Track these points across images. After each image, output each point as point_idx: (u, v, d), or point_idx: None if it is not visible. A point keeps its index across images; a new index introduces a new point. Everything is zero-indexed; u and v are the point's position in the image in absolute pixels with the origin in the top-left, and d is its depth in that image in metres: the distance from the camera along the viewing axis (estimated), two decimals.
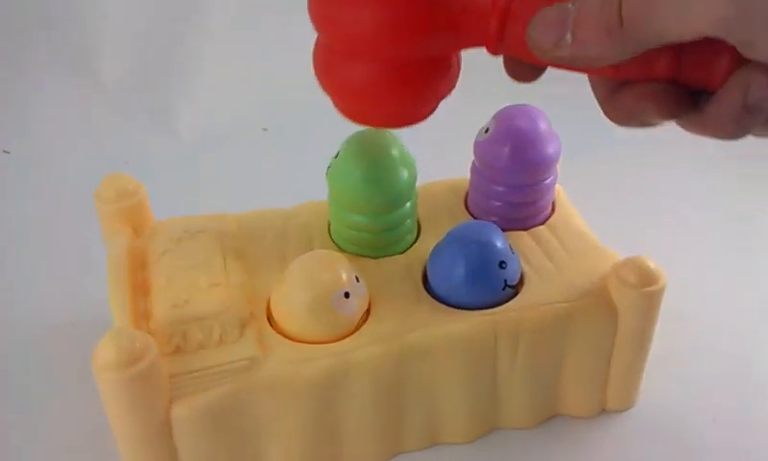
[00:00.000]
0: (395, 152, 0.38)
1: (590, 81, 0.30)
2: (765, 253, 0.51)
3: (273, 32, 0.72)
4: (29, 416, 0.39)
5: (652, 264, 0.36)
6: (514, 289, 0.36)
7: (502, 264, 0.36)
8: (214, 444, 0.33)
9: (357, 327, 0.35)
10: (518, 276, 0.37)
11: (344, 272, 0.34)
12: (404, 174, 0.38)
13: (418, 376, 0.35)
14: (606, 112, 0.29)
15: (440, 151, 0.48)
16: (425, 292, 0.37)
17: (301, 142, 0.62)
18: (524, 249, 0.39)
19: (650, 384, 0.40)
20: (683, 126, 0.28)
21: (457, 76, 0.33)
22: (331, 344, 0.34)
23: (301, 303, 0.33)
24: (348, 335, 0.34)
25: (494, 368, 0.36)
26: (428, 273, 0.37)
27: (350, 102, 0.33)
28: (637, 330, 0.37)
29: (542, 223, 0.41)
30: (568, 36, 0.27)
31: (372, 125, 0.35)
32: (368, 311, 0.36)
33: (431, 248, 0.38)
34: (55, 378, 0.41)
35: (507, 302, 0.36)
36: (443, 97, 0.33)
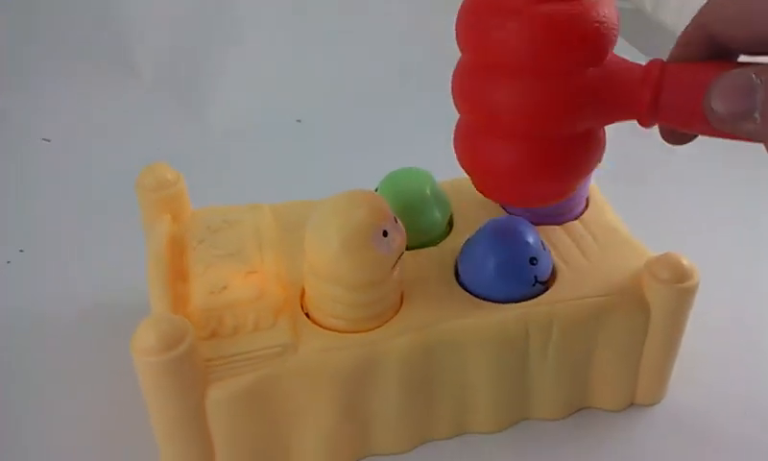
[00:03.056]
0: (427, 191, 0.39)
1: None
2: None
3: (308, 23, 0.73)
4: (66, 399, 0.40)
5: (685, 261, 0.36)
6: (544, 285, 0.37)
7: (533, 260, 0.36)
8: (247, 426, 0.34)
9: (388, 318, 0.35)
10: (549, 271, 0.37)
11: (383, 208, 0.33)
12: (437, 215, 0.40)
13: (448, 367, 0.36)
14: None
15: None
16: (457, 284, 0.37)
17: (335, 133, 0.63)
18: (557, 243, 0.39)
19: (679, 379, 0.40)
20: None
21: (603, 149, 0.32)
22: (363, 333, 0.35)
23: (337, 238, 0.32)
24: (378, 325, 0.35)
25: (525, 361, 0.36)
26: (459, 266, 0.38)
27: (496, 182, 0.32)
28: (669, 326, 0.37)
29: (576, 218, 0.41)
30: (756, 115, 0.26)
31: (517, 205, 0.35)
32: (400, 302, 0.36)
33: (464, 241, 0.38)
34: (92, 362, 0.42)
35: (537, 296, 0.36)
36: (590, 173, 0.33)
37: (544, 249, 0.37)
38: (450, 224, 0.41)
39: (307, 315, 0.36)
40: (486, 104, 0.30)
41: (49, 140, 0.63)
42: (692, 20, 0.29)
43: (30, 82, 0.67)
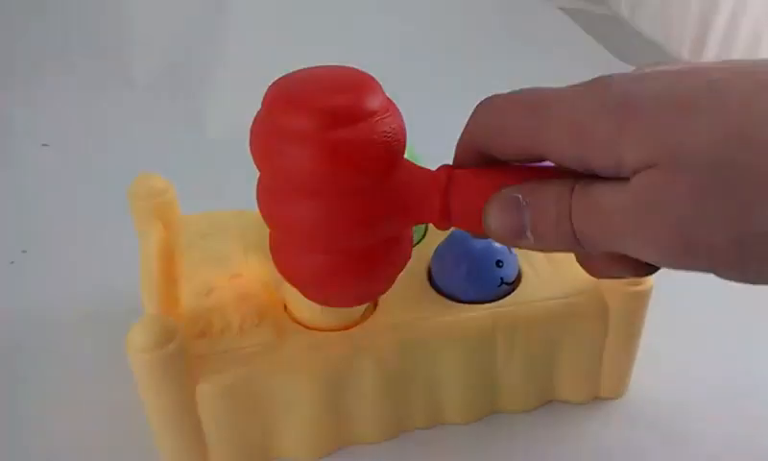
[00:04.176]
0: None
1: None
2: None
3: (297, 31, 0.75)
4: (64, 396, 0.43)
5: None
6: (510, 286, 0.39)
7: (499, 263, 0.38)
8: (235, 417, 0.36)
9: (365, 317, 0.38)
10: (515, 273, 0.40)
11: None
12: None
13: (421, 363, 0.38)
14: (584, 269, 0.30)
15: (451, 150, 0.50)
16: (429, 286, 0.40)
17: None
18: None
19: (641, 374, 0.42)
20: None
21: (410, 247, 0.34)
22: (342, 332, 0.37)
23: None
24: (355, 323, 0.38)
25: (492, 357, 0.39)
26: (432, 269, 0.40)
27: (310, 289, 0.33)
28: (627, 326, 0.39)
29: None
30: (528, 234, 0.27)
31: (335, 306, 0.35)
32: (376, 302, 0.39)
33: (436, 246, 0.41)
34: (90, 359, 0.44)
35: (504, 297, 0.39)
36: (399, 272, 0.33)
37: (511, 252, 0.40)
38: (425, 230, 0.44)
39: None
40: (283, 222, 0.31)
41: (48, 145, 0.65)
42: (462, 133, 0.30)
43: (30, 88, 0.69)
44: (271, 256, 0.34)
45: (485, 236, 0.30)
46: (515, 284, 0.40)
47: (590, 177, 0.26)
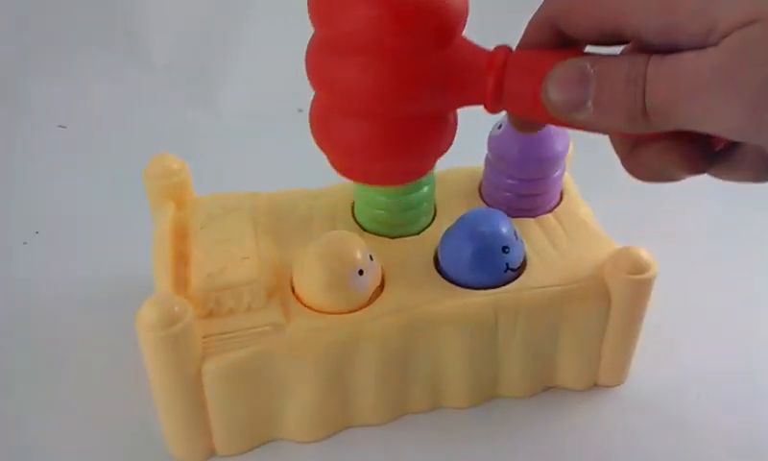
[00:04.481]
0: None
1: (610, 137, 0.30)
2: (759, 244, 0.54)
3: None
4: (79, 368, 0.44)
5: (645, 254, 0.39)
6: (516, 272, 0.40)
7: (505, 249, 0.39)
8: (239, 398, 0.37)
9: (371, 300, 0.39)
10: (521, 260, 0.40)
11: (358, 251, 0.38)
12: (425, 189, 0.42)
13: (424, 347, 0.39)
14: (628, 169, 0.29)
15: (461, 140, 0.50)
16: (435, 271, 0.40)
17: None
18: (530, 235, 0.42)
19: (641, 363, 0.43)
20: (709, 174, 0.28)
21: (453, 133, 0.33)
22: (347, 314, 0.38)
23: (319, 278, 0.37)
24: (361, 307, 0.38)
25: (494, 342, 0.40)
26: (439, 254, 0.41)
27: (348, 160, 0.33)
28: (628, 314, 0.40)
29: (550, 211, 0.44)
30: (589, 104, 0.26)
31: (368, 183, 0.35)
32: (382, 286, 0.40)
33: (444, 230, 0.41)
34: (102, 336, 0.46)
35: (509, 283, 0.39)
36: (439, 155, 0.33)
37: (517, 239, 0.40)
38: (434, 215, 0.45)
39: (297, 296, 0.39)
40: (335, 81, 0.30)
41: (65, 127, 0.66)
42: (539, 8, 0.29)
43: (46, 69, 0.70)
44: (310, 126, 0.33)
45: (538, 119, 0.30)
46: (520, 270, 0.40)
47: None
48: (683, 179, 0.28)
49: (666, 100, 0.24)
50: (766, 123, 0.23)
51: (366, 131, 0.31)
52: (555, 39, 0.29)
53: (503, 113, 0.42)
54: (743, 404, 0.42)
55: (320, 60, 0.31)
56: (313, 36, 0.32)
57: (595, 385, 0.43)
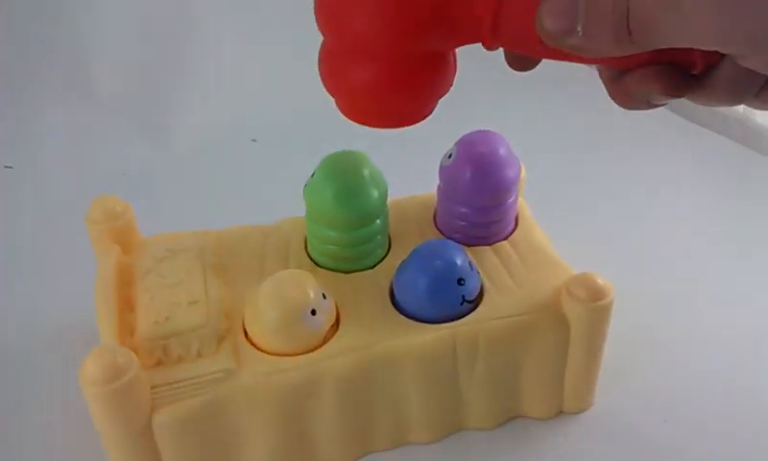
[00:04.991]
0: (365, 172, 0.41)
1: (598, 69, 0.32)
2: (713, 261, 0.54)
3: (265, 45, 0.75)
4: (23, 420, 0.42)
5: (600, 280, 0.38)
6: (472, 304, 0.39)
7: (461, 281, 0.38)
8: (194, 448, 0.36)
9: (326, 339, 0.38)
10: (477, 291, 0.39)
11: (311, 290, 0.37)
12: (374, 193, 0.41)
13: (384, 384, 0.38)
14: (613, 98, 0.31)
15: (412, 168, 0.50)
16: (391, 305, 0.40)
17: (290, 152, 0.65)
18: (486, 264, 0.42)
19: (605, 388, 0.43)
20: (687, 98, 0.30)
21: (453, 74, 0.34)
22: (302, 355, 0.37)
23: (271, 320, 0.36)
24: (316, 347, 0.37)
25: (455, 376, 0.39)
26: (394, 288, 0.40)
27: (354, 101, 0.34)
28: (588, 341, 0.39)
29: (505, 238, 0.44)
30: (579, 28, 0.27)
31: (374, 124, 0.35)
32: (337, 323, 0.39)
33: (398, 263, 0.40)
34: (45, 390, 0.44)
35: (466, 315, 0.39)
36: (441, 95, 0.34)
37: (472, 269, 0.39)
38: (389, 246, 0.44)
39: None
40: (343, 24, 0.31)
41: (11, 167, 0.64)
42: None
43: None
44: (319, 71, 0.34)
45: (534, 54, 0.31)
46: (476, 302, 0.39)
47: None
48: (664, 103, 0.30)
49: (648, 18, 0.26)
50: (737, 30, 0.24)
51: (369, 70, 0.32)
52: None
53: (453, 145, 0.42)
54: (712, 428, 0.42)
55: (326, 4, 0.32)
56: None
57: (561, 412, 0.42)
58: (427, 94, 0.34)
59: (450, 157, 0.42)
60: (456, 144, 0.43)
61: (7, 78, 0.70)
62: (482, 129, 0.43)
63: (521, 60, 0.33)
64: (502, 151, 0.42)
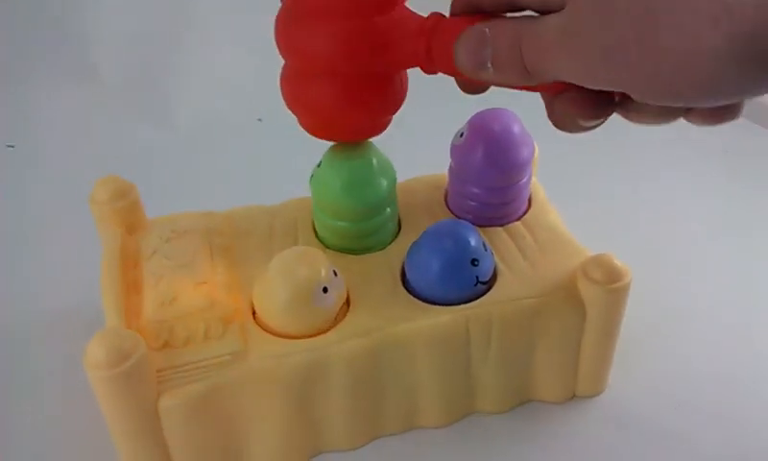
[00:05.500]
0: (374, 161, 0.40)
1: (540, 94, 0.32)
2: (731, 250, 0.53)
3: (271, 20, 0.73)
4: (28, 405, 0.42)
5: (618, 262, 0.38)
6: (486, 285, 0.38)
7: (474, 262, 0.37)
8: (201, 433, 0.35)
9: (337, 321, 0.37)
10: (491, 272, 0.38)
11: (322, 267, 0.36)
12: (383, 182, 0.40)
13: (394, 368, 0.37)
14: (551, 121, 0.32)
15: (423, 148, 0.49)
16: (402, 287, 0.39)
17: (296, 131, 0.63)
18: (499, 245, 0.41)
19: (619, 372, 0.42)
20: (626, 118, 0.30)
21: (403, 94, 0.38)
22: (311, 338, 0.36)
23: (282, 299, 0.35)
24: (327, 328, 0.36)
25: (467, 359, 0.38)
26: (406, 269, 0.39)
27: (314, 117, 0.37)
28: (604, 324, 0.38)
29: (518, 219, 0.43)
30: (489, 64, 0.30)
31: (331, 138, 0.39)
32: (347, 305, 0.38)
33: (410, 244, 0.39)
34: (51, 374, 0.43)
35: (480, 297, 0.38)
36: (391, 112, 0.38)
37: (486, 250, 0.38)
38: (399, 228, 0.43)
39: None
40: (301, 49, 0.35)
41: (13, 146, 0.63)
42: None
43: None
44: (281, 91, 0.38)
45: (460, 77, 0.34)
46: (490, 283, 0.38)
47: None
48: (591, 126, 0.31)
49: (535, 58, 0.28)
50: (602, 75, 0.26)
51: (327, 88, 0.35)
52: (473, 10, 0.32)
53: (465, 122, 0.41)
54: (726, 414, 0.41)
55: (287, 31, 0.35)
56: (280, 7, 0.36)
57: (574, 396, 0.42)
58: (378, 111, 0.37)
59: (462, 135, 0.41)
60: (468, 122, 0.42)
61: (9, 58, 0.69)
62: (494, 107, 0.42)
63: (469, 85, 0.35)
64: (515, 129, 0.41)
